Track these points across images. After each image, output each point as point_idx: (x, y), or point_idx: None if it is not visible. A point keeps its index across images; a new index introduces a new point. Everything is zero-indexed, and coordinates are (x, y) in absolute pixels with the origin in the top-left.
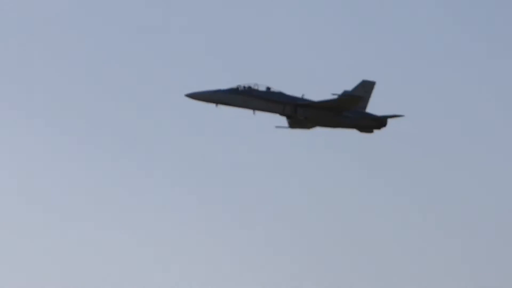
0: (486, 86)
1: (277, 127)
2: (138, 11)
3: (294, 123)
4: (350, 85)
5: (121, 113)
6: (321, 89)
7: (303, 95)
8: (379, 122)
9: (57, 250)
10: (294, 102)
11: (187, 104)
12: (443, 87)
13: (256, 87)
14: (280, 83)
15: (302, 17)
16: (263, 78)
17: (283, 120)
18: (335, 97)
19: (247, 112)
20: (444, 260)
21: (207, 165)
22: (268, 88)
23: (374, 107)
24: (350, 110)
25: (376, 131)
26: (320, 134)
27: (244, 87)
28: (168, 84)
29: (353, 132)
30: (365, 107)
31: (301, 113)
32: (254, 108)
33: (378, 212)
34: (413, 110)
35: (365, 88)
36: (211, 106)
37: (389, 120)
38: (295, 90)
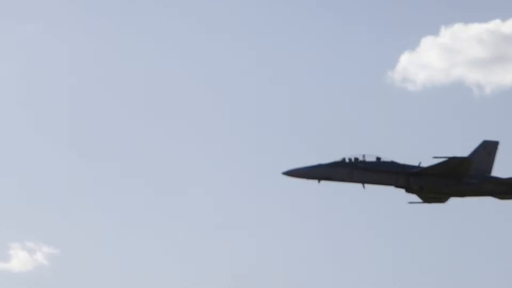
0: None
1: (410, 203)
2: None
3: (427, 197)
4: (470, 147)
5: (222, 197)
6: (439, 153)
7: (420, 163)
8: (508, 185)
9: None
10: (406, 170)
11: (285, 182)
12: None
13: (363, 159)
14: (394, 153)
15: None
16: (373, 149)
17: (413, 196)
18: (443, 160)
19: (357, 187)
20: None
21: (339, 249)
22: (378, 159)
23: (500, 169)
24: (472, 175)
25: None
26: (455, 205)
27: (350, 159)
28: (261, 163)
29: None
30: (490, 170)
31: (414, 182)
32: (362, 181)
33: None
34: None
35: (487, 149)
36: (312, 183)
37: None
38: (412, 159)
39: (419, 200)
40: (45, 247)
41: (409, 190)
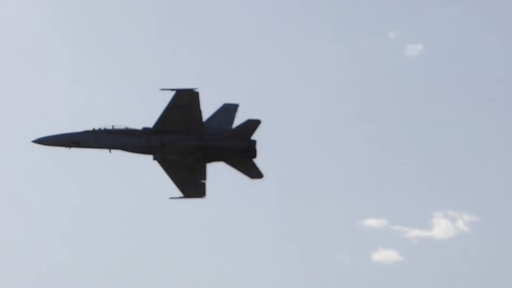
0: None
1: (171, 198)
2: None
3: (187, 191)
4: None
5: None
6: None
7: None
8: (243, 137)
9: None
10: (149, 130)
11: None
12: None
13: (112, 127)
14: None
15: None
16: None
17: (176, 191)
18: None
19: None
20: None
21: None
22: (127, 128)
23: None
24: (212, 133)
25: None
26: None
27: (100, 128)
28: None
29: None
30: (229, 131)
31: (156, 140)
32: (108, 145)
33: None
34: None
35: (227, 111)
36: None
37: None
38: None
39: (180, 195)
40: (466, 215)
41: (155, 156)
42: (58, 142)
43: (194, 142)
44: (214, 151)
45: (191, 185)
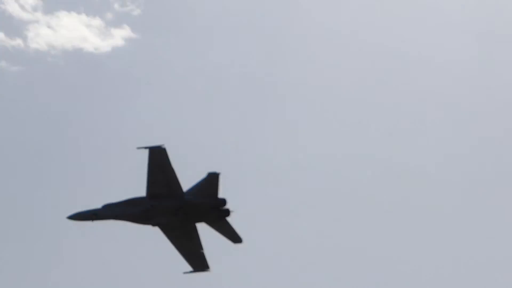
0: None
1: (185, 272)
2: None
3: (194, 264)
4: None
5: None
6: None
7: None
8: (207, 195)
9: None
10: (142, 198)
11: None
12: None
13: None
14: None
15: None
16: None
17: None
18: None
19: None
20: None
21: None
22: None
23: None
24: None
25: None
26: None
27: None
28: None
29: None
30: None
31: (148, 204)
32: (117, 217)
33: None
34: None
35: (208, 179)
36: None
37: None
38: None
39: (190, 269)
40: None
41: (154, 222)
42: (84, 217)
43: (176, 201)
44: (193, 210)
45: (195, 256)
